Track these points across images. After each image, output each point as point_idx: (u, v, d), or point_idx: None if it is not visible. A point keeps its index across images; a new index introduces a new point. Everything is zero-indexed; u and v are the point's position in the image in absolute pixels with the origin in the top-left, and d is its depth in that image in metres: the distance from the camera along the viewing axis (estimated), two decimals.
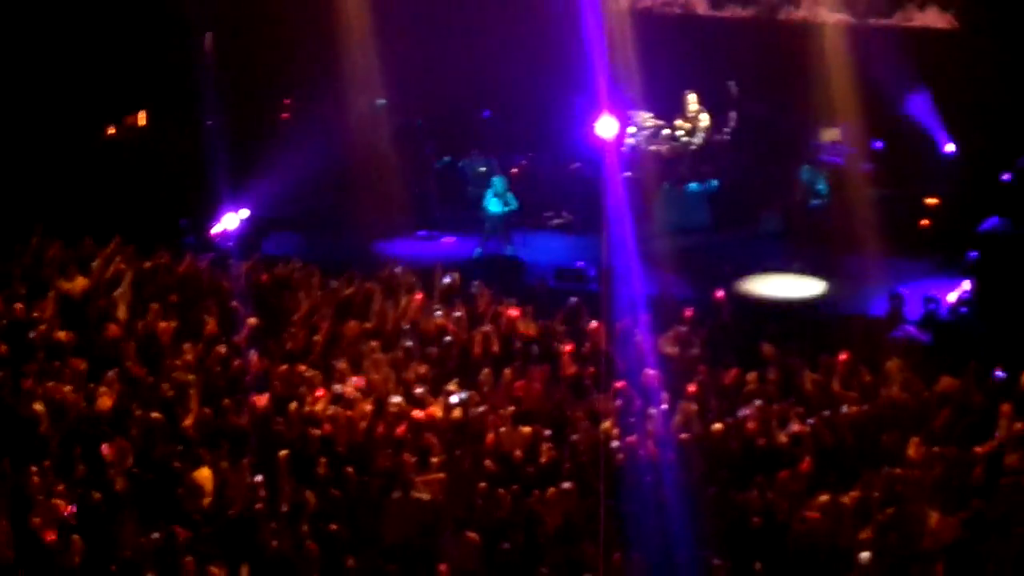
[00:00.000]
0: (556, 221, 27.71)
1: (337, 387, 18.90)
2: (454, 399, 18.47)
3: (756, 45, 27.98)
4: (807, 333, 21.15)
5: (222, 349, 19.65)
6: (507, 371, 19.38)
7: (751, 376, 19.22)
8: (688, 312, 21.29)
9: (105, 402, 18.06)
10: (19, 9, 26.90)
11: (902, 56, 26.42)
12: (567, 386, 19.40)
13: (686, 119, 28.28)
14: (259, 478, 16.79)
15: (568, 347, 20.16)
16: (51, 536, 15.78)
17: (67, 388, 18.29)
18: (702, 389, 18.90)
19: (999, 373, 18.77)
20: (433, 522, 16.39)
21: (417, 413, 18.13)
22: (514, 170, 28.12)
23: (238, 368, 19.25)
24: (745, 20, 28.86)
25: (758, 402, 18.34)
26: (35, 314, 20.37)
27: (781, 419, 17.89)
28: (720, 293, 22.22)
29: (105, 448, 17.03)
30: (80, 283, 21.22)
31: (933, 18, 27.59)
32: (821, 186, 26.79)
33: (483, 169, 28.22)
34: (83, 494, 16.30)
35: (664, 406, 18.27)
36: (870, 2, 27.79)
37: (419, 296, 21.55)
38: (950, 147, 26.84)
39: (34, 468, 16.62)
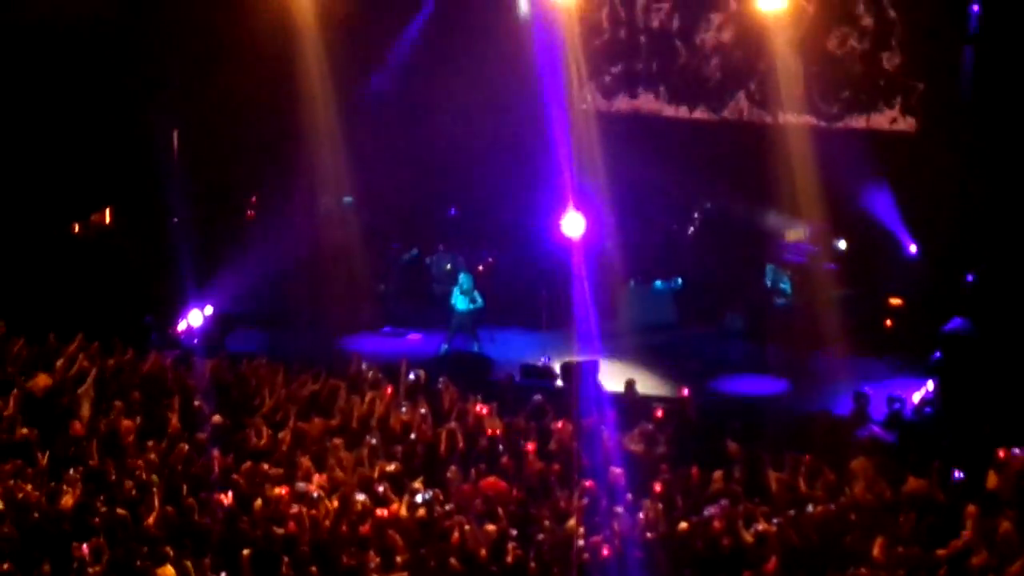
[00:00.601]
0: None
1: (301, 485, 18.77)
2: (418, 498, 18.35)
3: (722, 146, 28.25)
4: (772, 432, 21.16)
5: (185, 447, 19.52)
6: (473, 469, 19.32)
7: (716, 475, 19.19)
8: (654, 410, 21.29)
9: (67, 500, 17.88)
10: None
11: (865, 158, 26.71)
12: (532, 484, 19.33)
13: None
14: None
15: (533, 445, 20.11)
16: None
17: (29, 486, 18.10)
18: (667, 487, 18.85)
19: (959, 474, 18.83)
20: None
21: (381, 511, 18.01)
22: (480, 267, 28.20)
23: (201, 466, 19.11)
24: (711, 122, 29.11)
25: (724, 501, 18.29)
26: None
27: (747, 518, 17.83)
28: (685, 391, 22.24)
29: (84, 548, 16.81)
30: (43, 380, 21.05)
31: (895, 121, 27.87)
32: (785, 285, 26.96)
33: (449, 266, 28.35)
34: None
35: (630, 505, 18.21)
36: (834, 104, 28.06)
37: (385, 393, 21.51)
38: (913, 248, 27.04)
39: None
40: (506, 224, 28.93)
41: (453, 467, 19.32)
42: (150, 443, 19.60)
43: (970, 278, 25.28)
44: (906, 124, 27.80)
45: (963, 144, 26.14)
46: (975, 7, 26.34)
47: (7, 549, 16.77)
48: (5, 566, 16.44)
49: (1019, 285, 24.47)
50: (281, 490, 18.52)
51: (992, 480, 18.67)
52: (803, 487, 18.74)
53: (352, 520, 17.78)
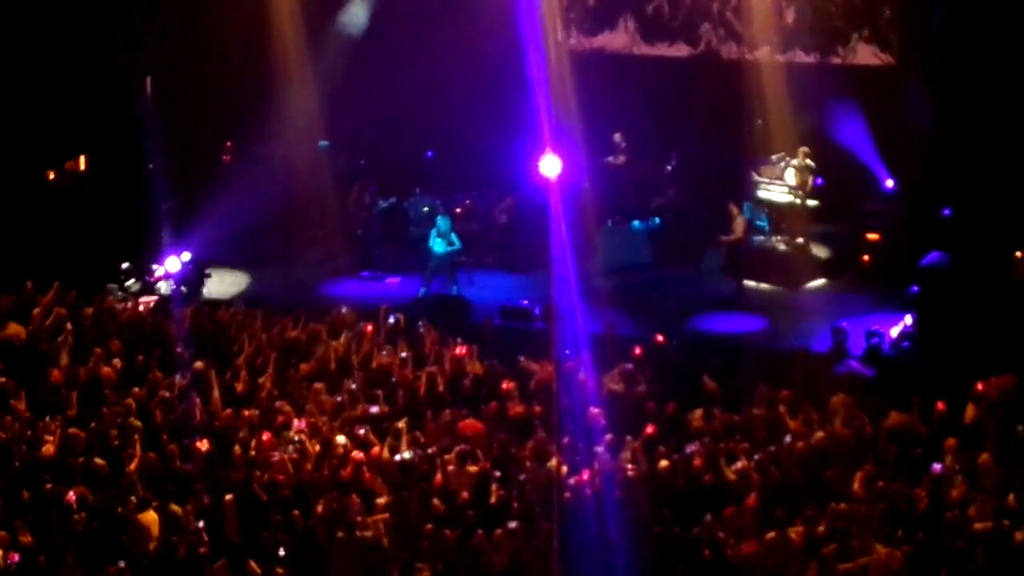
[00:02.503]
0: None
1: (282, 430, 18.77)
2: (399, 456, 18.26)
3: (697, 83, 28.19)
4: (751, 369, 21.20)
5: (165, 393, 19.50)
6: (454, 411, 19.34)
7: (697, 413, 19.25)
8: (633, 349, 21.31)
9: (48, 448, 17.86)
10: None
11: (842, 93, 26.67)
12: (513, 425, 19.36)
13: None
14: (201, 523, 16.66)
15: (514, 386, 20.12)
16: None
17: (8, 435, 18.06)
18: (648, 426, 18.89)
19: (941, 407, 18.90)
20: (379, 563, 16.27)
21: (360, 455, 18.00)
22: (458, 210, 28.12)
23: (182, 412, 19.09)
24: (686, 59, 29.04)
25: (704, 438, 18.35)
26: None
27: (727, 455, 17.89)
28: (660, 337, 22.23)
29: (71, 495, 16.79)
30: (14, 329, 20.96)
31: (871, 56, 27.83)
32: (762, 222, 26.92)
33: (427, 209, 28.26)
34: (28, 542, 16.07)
35: (610, 444, 18.24)
36: (809, 40, 27.99)
37: (366, 336, 21.50)
38: (890, 183, 27.03)
39: None
40: (483, 166, 28.83)
41: (432, 410, 19.36)
42: (131, 391, 19.56)
43: (947, 212, 25.29)
44: (882, 58, 27.78)
45: (939, 77, 26.10)
46: None
47: None
48: None
49: (995, 218, 24.50)
50: (263, 435, 18.53)
51: (971, 412, 18.77)
52: (783, 423, 18.80)
53: (334, 464, 17.81)
